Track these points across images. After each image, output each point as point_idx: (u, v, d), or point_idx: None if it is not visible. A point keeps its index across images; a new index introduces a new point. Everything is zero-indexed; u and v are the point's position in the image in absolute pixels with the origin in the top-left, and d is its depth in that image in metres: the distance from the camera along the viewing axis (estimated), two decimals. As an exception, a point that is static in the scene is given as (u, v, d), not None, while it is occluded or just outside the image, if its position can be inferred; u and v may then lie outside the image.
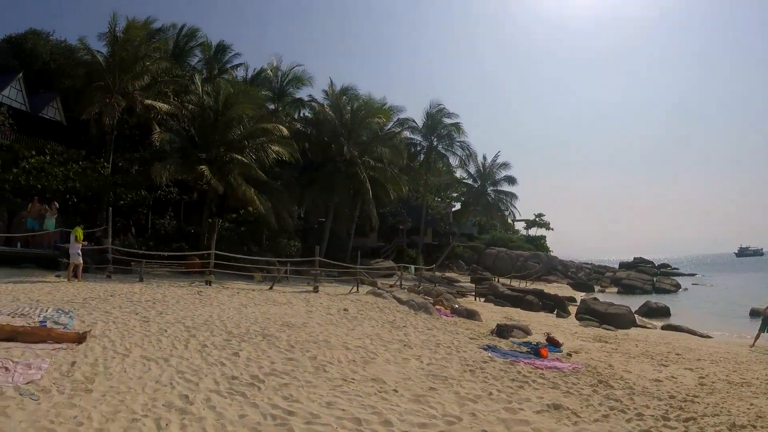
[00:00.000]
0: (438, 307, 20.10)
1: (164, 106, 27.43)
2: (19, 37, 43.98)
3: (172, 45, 36.72)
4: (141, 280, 19.21)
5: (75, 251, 18.36)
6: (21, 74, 36.36)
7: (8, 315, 11.21)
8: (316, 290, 20.64)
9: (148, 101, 27.47)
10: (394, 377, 8.55)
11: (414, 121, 46.57)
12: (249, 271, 23.43)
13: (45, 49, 43.34)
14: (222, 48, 40.64)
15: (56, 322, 10.77)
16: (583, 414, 7.38)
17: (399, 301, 18.79)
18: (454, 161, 49.39)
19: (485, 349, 12.32)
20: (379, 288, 22.54)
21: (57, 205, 22.17)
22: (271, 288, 20.22)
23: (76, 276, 18.24)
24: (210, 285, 19.47)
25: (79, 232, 18.71)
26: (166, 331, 10.61)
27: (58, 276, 18.82)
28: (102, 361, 8.05)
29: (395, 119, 41.50)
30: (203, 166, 24.41)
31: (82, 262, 18.58)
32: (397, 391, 7.70)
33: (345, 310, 15.89)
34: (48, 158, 25.75)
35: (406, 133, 45.39)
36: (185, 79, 32.24)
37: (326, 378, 8.15)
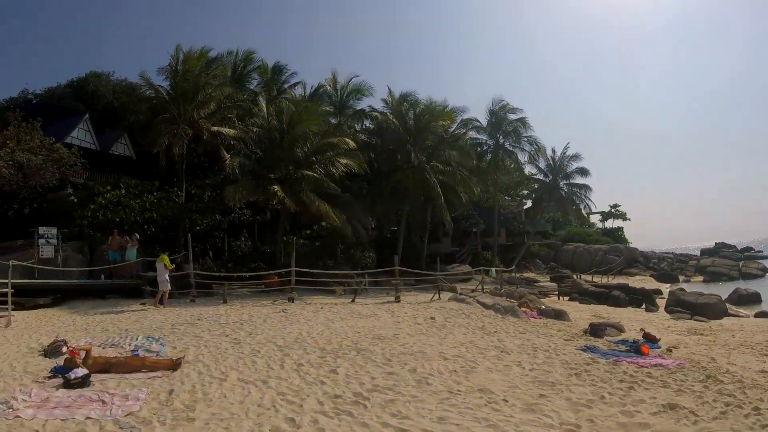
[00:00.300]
0: (524, 309, 19.42)
1: (230, 131, 27.66)
2: (81, 80, 46.30)
3: (231, 71, 37.14)
4: (225, 302, 19.17)
5: (163, 278, 18.55)
6: (87, 115, 37.79)
7: (99, 346, 11.15)
8: (398, 300, 20.20)
9: (215, 128, 27.72)
10: (500, 386, 8.27)
11: (478, 120, 45.31)
12: (328, 285, 23.29)
13: (107, 89, 45.35)
14: (278, 69, 40.78)
15: (148, 350, 10.65)
16: (700, 412, 7.08)
17: (484, 305, 18.20)
18: (522, 157, 47.95)
19: (584, 350, 11.81)
20: (460, 294, 21.95)
21: (137, 236, 22.50)
22: (353, 301, 19.90)
23: (162, 302, 18.36)
24: (293, 302, 19.33)
25: (166, 259, 18.89)
26: (259, 351, 10.38)
27: (143, 304, 19.01)
28: (200, 387, 7.99)
29: (459, 120, 40.48)
30: (275, 186, 24.37)
31: (169, 288, 18.72)
32: (507, 401, 7.44)
33: (432, 318, 15.43)
34: (123, 192, 26.37)
35: (472, 133, 44.38)
36: (247, 103, 32.51)
37: (431, 391, 7.91)
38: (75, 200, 27.37)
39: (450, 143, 35.88)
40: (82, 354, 9.20)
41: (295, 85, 40.73)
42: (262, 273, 23.98)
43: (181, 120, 27.51)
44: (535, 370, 9.39)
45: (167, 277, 18.80)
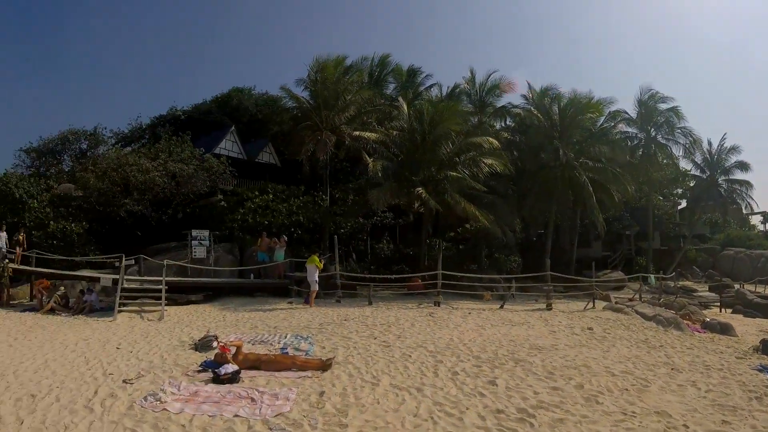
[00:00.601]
0: (686, 321, 17.67)
1: (372, 135, 27.56)
2: (225, 96, 48.85)
3: (367, 76, 37.35)
4: (370, 303, 18.79)
5: (313, 278, 18.54)
6: (233, 127, 39.44)
7: (249, 342, 11.01)
8: (549, 308, 18.92)
9: (356, 132, 27.78)
10: (677, 409, 7.33)
11: (626, 112, 41.26)
12: (473, 289, 22.50)
13: (250, 102, 47.30)
14: (413, 72, 40.42)
15: (297, 349, 10.35)
16: None
17: (644, 316, 16.56)
18: (676, 151, 42.65)
19: (760, 371, 10.17)
20: (616, 303, 20.38)
21: (285, 238, 22.88)
22: (501, 307, 18.87)
23: (308, 302, 18.38)
24: (439, 306, 18.69)
25: (316, 260, 18.87)
26: (410, 356, 9.75)
27: (290, 302, 19.09)
28: (351, 391, 7.60)
29: (606, 113, 37.27)
30: (419, 188, 23.92)
31: (317, 288, 18.79)
32: (688, 427, 6.58)
33: (590, 329, 14.18)
34: (271, 196, 27.25)
35: (621, 126, 40.49)
36: (386, 107, 32.49)
37: (602, 411, 7.09)
38: (225, 205, 28.53)
39: (598, 137, 33.38)
40: (233, 350, 8.98)
41: (431, 87, 40.22)
42: (408, 275, 23.58)
43: (323, 126, 27.90)
44: (711, 392, 8.18)
45: (317, 278, 18.82)
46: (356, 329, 12.92)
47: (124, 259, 18.25)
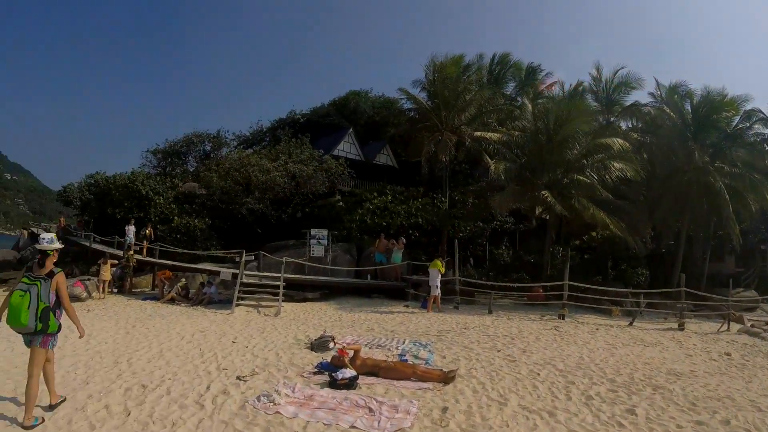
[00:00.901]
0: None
1: (494, 136, 26.50)
2: (342, 99, 49.46)
3: (486, 74, 36.39)
4: (490, 312, 17.91)
5: (435, 283, 17.79)
6: (351, 129, 39.64)
7: (366, 346, 10.43)
8: (681, 327, 17.12)
9: (477, 133, 26.89)
10: None
11: (761, 111, 37.22)
12: (598, 303, 20.94)
13: (366, 105, 47.61)
14: (532, 70, 38.88)
15: (416, 356, 9.60)
16: None
17: (786, 343, 14.72)
18: None
19: None
20: (752, 326, 18.24)
21: (404, 240, 22.30)
22: (630, 324, 17.30)
23: (425, 307, 17.73)
24: (563, 319, 17.47)
25: (439, 264, 18.17)
26: (539, 374, 8.83)
27: (406, 306, 18.43)
28: (477, 409, 6.84)
29: (741, 112, 33.64)
30: (544, 192, 22.57)
31: (439, 293, 18.10)
32: None
33: (727, 354, 12.63)
34: (389, 198, 26.87)
35: (757, 127, 36.24)
36: (507, 106, 31.43)
37: None
38: (342, 206, 28.52)
39: (734, 139, 30.29)
40: (351, 353, 8.38)
41: (551, 85, 38.79)
42: (530, 285, 22.35)
43: (443, 127, 27.20)
44: None
45: (438, 283, 18.09)
46: (477, 339, 12.08)
47: (244, 254, 18.41)
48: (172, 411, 6.20)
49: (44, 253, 5.97)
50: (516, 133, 26.63)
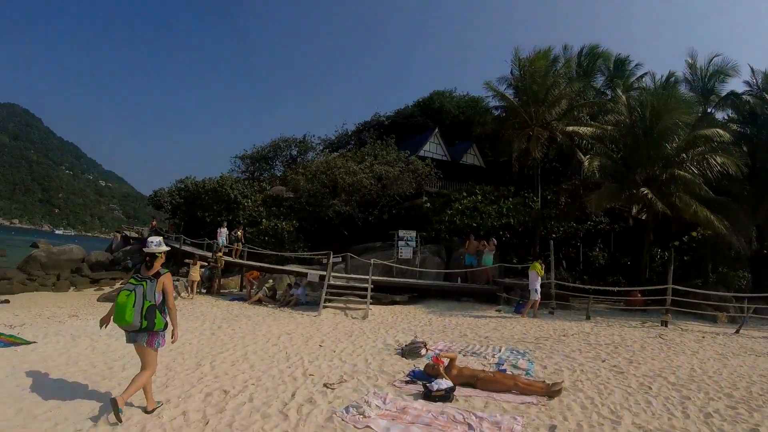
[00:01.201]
0: None
1: (587, 130, 25.21)
2: (426, 99, 49.10)
3: (575, 67, 34.82)
4: (588, 318, 16.84)
5: (535, 287, 16.76)
6: (437, 129, 39.05)
7: (460, 353, 9.72)
8: (790, 335, 15.44)
9: (570, 128, 25.70)
10: None
11: None
12: (700, 308, 19.23)
13: (451, 105, 47.05)
14: (621, 62, 36.84)
15: (515, 366, 8.79)
16: None
17: None
18: None
19: None
20: None
21: (495, 242, 21.36)
22: (737, 331, 15.73)
23: (519, 312, 16.79)
24: (666, 326, 16.12)
25: (538, 267, 17.07)
26: (651, 388, 7.97)
27: (498, 310, 17.51)
28: (588, 429, 6.16)
29: None
30: (643, 189, 21.12)
31: (539, 298, 17.07)
32: None
33: None
34: (479, 198, 25.90)
35: None
36: (598, 100, 29.97)
37: None
38: (429, 206, 27.84)
39: None
40: (446, 361, 7.70)
41: (642, 76, 36.64)
42: (633, 288, 20.63)
43: (533, 123, 26.12)
44: None
45: (538, 287, 16.99)
46: (579, 348, 11.12)
47: (331, 256, 18.10)
48: (254, 421, 5.78)
49: (152, 256, 6.14)
50: (609, 127, 25.20)
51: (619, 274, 24.56)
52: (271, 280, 20.01)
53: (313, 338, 11.03)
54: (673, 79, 33.35)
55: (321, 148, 45.35)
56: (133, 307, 5.76)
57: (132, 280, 5.99)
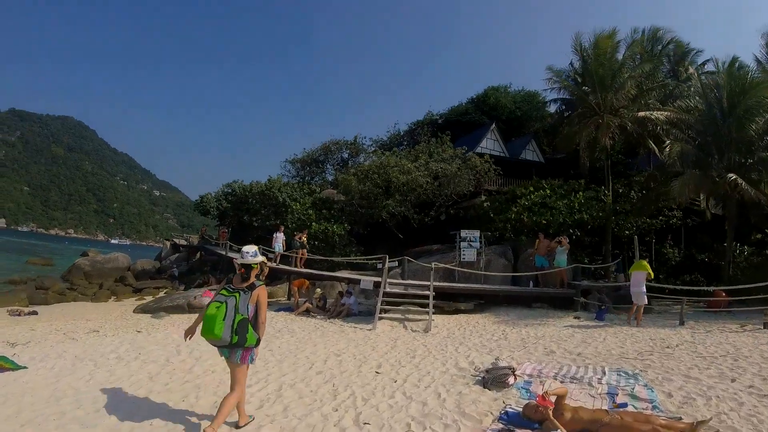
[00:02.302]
0: None
1: (660, 115, 22.92)
2: (481, 96, 47.29)
3: (638, 50, 32.35)
4: (682, 324, 14.65)
5: (640, 290, 14.55)
6: (494, 125, 37.07)
7: (554, 378, 7.69)
8: None
9: (641, 113, 23.35)
10: None
11: None
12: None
13: (507, 100, 45.13)
14: (680, 47, 34.58)
15: (633, 396, 6.71)
16: None
17: None
18: None
19: None
20: None
21: (567, 240, 19.13)
22: None
23: (601, 318, 14.67)
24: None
25: (647, 266, 14.93)
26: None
27: (577, 318, 15.28)
28: None
29: None
30: (731, 175, 18.72)
31: (646, 302, 14.81)
32: None
33: None
34: (548, 192, 23.60)
35: None
36: (671, 82, 27.46)
37: None
38: (488, 205, 25.71)
39: None
40: (552, 399, 5.66)
41: (704, 63, 33.86)
42: (721, 288, 18.23)
43: (601, 110, 23.79)
44: None
45: (644, 289, 14.73)
46: (693, 363, 8.92)
47: (387, 260, 16.18)
48: None
49: (248, 267, 5.78)
50: (684, 112, 22.82)
51: (696, 272, 22.20)
52: (319, 289, 18.30)
53: (367, 361, 9.19)
54: (737, 64, 30.60)
55: (373, 149, 43.72)
56: (224, 320, 5.35)
57: (224, 292, 5.59)
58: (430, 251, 24.71)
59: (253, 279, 5.71)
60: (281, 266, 21.97)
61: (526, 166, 33.67)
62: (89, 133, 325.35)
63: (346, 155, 43.82)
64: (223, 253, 26.60)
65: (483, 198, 27.62)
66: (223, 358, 5.73)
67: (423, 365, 8.83)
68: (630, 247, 24.72)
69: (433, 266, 15.37)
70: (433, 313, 14.16)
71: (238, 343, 5.43)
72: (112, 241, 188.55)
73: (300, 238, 23.14)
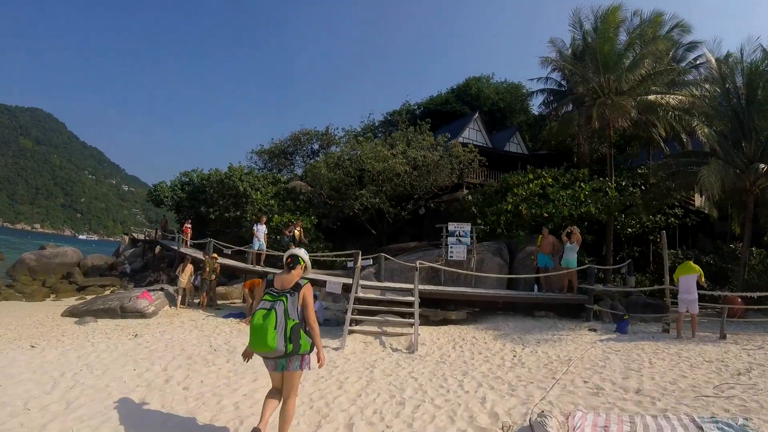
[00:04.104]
0: None
1: (673, 99, 20.23)
2: (461, 86, 46.08)
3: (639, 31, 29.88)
4: (723, 337, 11.89)
5: (693, 297, 11.92)
6: (477, 114, 35.46)
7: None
8: None
9: (652, 97, 20.55)
10: None
11: None
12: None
13: (490, 90, 44.02)
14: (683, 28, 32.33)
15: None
16: None
17: None
18: None
19: None
20: None
21: (579, 232, 15.72)
22: None
23: (623, 331, 11.84)
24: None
25: (697, 268, 12.05)
26: None
27: (593, 330, 12.25)
28: None
29: None
30: (762, 164, 16.08)
31: (697, 311, 12.07)
32: None
33: None
34: (550, 180, 20.21)
35: None
36: (679, 67, 24.79)
37: None
38: (475, 198, 22.56)
39: None
40: None
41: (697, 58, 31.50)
42: (738, 294, 15.58)
43: (605, 93, 20.95)
44: None
45: (696, 296, 11.98)
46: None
47: (359, 257, 13.00)
48: None
49: (295, 259, 5.07)
50: (690, 99, 20.34)
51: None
52: None
53: (331, 411, 5.99)
54: (731, 59, 28.26)
55: (346, 140, 40.87)
56: (275, 328, 4.57)
57: (267, 297, 4.80)
58: (407, 249, 21.72)
59: (296, 278, 4.96)
60: (233, 262, 18.77)
61: (511, 159, 30.84)
62: (59, 126, 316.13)
63: (316, 147, 40.66)
64: (176, 248, 23.45)
65: (465, 192, 24.68)
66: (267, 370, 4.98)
67: (420, 423, 5.60)
68: (631, 245, 22.25)
69: (418, 265, 12.12)
70: (419, 325, 10.96)
71: (293, 352, 4.68)
72: (80, 237, 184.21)
73: (291, 233, 18.79)
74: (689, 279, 11.92)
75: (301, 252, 5.15)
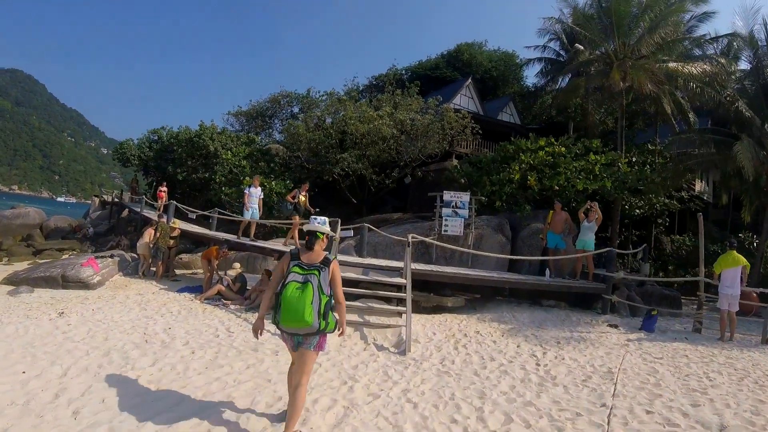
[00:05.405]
0: None
1: (694, 69, 18.16)
2: (453, 51, 44.15)
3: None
4: (765, 342, 9.83)
5: (736, 292, 10.09)
6: (470, 80, 33.18)
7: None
8: None
9: (672, 64, 18.48)
10: None
11: None
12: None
13: (482, 57, 42.37)
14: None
15: None
16: None
17: None
18: None
19: None
20: None
21: (598, 207, 13.15)
22: None
23: (649, 329, 9.94)
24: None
25: (742, 259, 10.19)
26: None
27: (613, 326, 10.35)
28: None
29: None
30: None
31: (737, 309, 10.24)
32: None
33: None
34: (563, 149, 17.59)
35: None
36: (696, 37, 22.84)
37: None
38: (460, 169, 20.17)
39: None
40: None
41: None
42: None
43: (619, 58, 18.85)
44: None
45: (739, 291, 10.09)
46: None
47: (339, 226, 10.92)
48: None
49: (313, 236, 4.59)
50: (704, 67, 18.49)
51: (710, 266, 17.98)
52: (238, 264, 12.55)
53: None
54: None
55: (327, 101, 38.51)
56: (312, 303, 4.19)
57: (297, 269, 4.34)
58: (390, 220, 19.69)
59: (320, 251, 4.53)
60: (198, 229, 16.58)
61: (504, 130, 28.63)
62: (38, 88, 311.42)
63: (296, 110, 38.22)
64: (138, 209, 21.30)
65: (455, 162, 22.49)
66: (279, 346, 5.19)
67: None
68: (638, 229, 20.57)
69: (410, 240, 9.85)
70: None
71: (323, 329, 4.29)
72: (58, 199, 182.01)
73: (295, 198, 14.40)
74: (734, 272, 10.09)
75: (318, 225, 4.61)
